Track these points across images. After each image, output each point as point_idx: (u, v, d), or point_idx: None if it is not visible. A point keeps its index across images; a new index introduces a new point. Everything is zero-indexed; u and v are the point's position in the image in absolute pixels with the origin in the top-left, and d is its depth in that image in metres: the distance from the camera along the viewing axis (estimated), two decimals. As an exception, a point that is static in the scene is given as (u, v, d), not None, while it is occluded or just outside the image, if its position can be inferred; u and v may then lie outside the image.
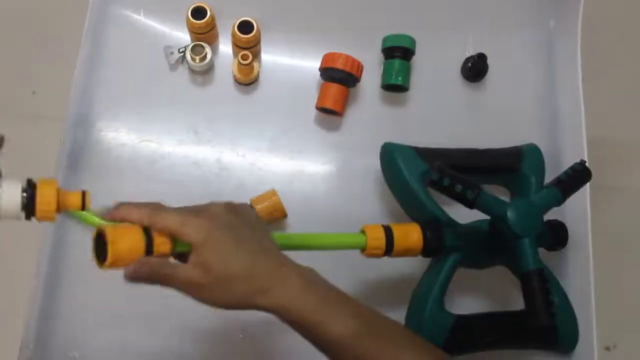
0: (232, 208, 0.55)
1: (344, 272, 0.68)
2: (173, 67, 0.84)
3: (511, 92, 0.88)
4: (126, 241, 0.51)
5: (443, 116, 0.86)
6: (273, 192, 0.76)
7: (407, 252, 0.69)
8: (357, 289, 0.78)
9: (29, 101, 1.44)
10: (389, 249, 0.68)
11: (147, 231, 0.53)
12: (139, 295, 0.75)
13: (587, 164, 0.70)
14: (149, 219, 0.52)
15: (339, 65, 0.79)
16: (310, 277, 0.55)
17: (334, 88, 0.81)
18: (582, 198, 0.80)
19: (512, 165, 0.78)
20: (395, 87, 0.84)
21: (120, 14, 0.87)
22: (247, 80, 0.84)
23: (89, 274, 0.76)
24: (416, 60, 0.85)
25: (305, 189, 0.82)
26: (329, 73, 0.80)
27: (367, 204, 0.81)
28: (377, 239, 0.67)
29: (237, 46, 0.82)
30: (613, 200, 1.41)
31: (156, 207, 0.54)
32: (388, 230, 0.68)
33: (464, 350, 0.72)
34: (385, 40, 0.84)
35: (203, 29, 0.81)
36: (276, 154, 0.82)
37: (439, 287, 0.70)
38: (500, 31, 0.90)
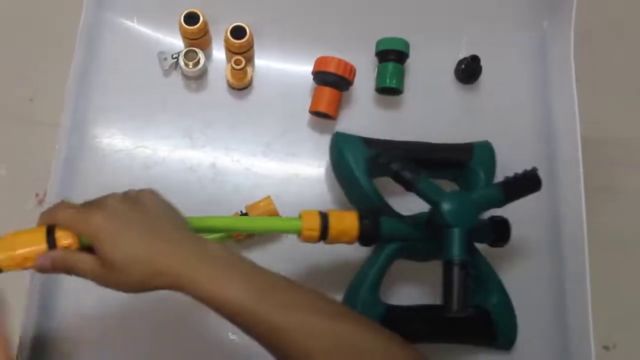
0: (129, 197, 0.59)
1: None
2: (167, 72, 0.85)
3: (505, 93, 0.88)
4: (17, 242, 0.57)
5: (437, 118, 0.86)
6: (268, 202, 0.76)
7: (342, 239, 0.69)
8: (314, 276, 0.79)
9: (26, 107, 1.44)
10: (324, 235, 0.68)
11: (51, 228, 0.58)
12: (130, 296, 0.76)
13: (538, 173, 0.70)
14: (50, 218, 0.58)
15: (331, 69, 0.79)
16: (210, 251, 0.56)
17: (327, 92, 0.81)
18: (577, 198, 0.80)
19: (461, 161, 0.78)
20: (389, 90, 0.84)
21: (113, 21, 0.87)
22: (241, 85, 0.84)
23: (81, 295, 0.77)
24: (410, 63, 0.85)
25: (300, 192, 0.82)
26: (321, 77, 0.81)
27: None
28: (312, 224, 0.67)
29: (230, 51, 0.82)
30: (609, 200, 1.41)
31: (57, 205, 0.58)
32: (324, 216, 0.68)
33: None
34: (378, 43, 0.84)
35: (196, 34, 0.82)
36: (271, 158, 0.83)
37: (373, 275, 0.71)
38: (494, 33, 0.90)
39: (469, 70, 0.85)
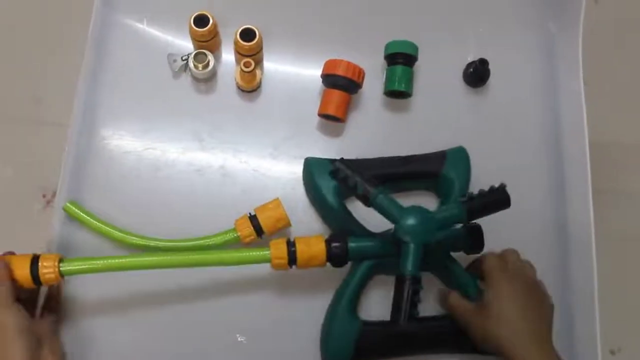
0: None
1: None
2: (176, 74, 0.85)
3: (513, 97, 0.88)
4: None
5: (445, 122, 0.86)
6: (277, 204, 0.76)
7: (313, 263, 0.71)
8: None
9: (34, 108, 1.45)
10: (293, 261, 0.70)
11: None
12: (136, 298, 0.77)
13: (507, 189, 0.69)
14: None
15: (340, 71, 0.79)
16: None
17: (336, 94, 0.81)
18: (584, 201, 0.81)
19: (434, 170, 0.79)
20: (398, 93, 0.84)
21: (123, 23, 0.87)
22: (250, 88, 0.84)
23: (90, 303, 0.78)
24: (418, 66, 0.85)
25: (309, 195, 0.82)
26: (330, 80, 0.81)
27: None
28: (280, 253, 0.70)
29: (240, 54, 0.82)
30: (616, 203, 1.41)
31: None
32: (291, 244, 0.71)
33: (373, 357, 0.75)
34: (387, 46, 0.84)
35: (205, 36, 0.82)
36: (279, 160, 0.83)
37: (349, 294, 0.74)
38: (502, 36, 0.91)
39: (477, 74, 0.86)
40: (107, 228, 0.76)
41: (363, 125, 0.85)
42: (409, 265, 0.66)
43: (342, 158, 0.76)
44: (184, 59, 0.84)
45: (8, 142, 1.44)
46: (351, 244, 0.72)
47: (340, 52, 0.82)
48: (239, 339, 0.76)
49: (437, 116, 0.86)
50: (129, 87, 0.85)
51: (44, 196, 1.36)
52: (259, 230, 0.74)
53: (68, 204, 0.76)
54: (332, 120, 0.83)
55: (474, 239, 0.75)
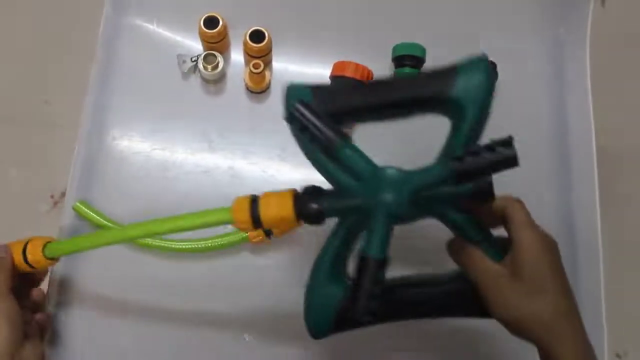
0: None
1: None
2: (185, 75, 0.85)
3: (521, 100, 0.88)
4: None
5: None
6: None
7: (282, 222, 0.58)
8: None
9: (43, 110, 1.45)
10: (257, 220, 0.57)
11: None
12: (141, 299, 0.77)
13: (514, 142, 0.52)
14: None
15: (349, 73, 0.80)
16: None
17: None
18: (591, 206, 0.81)
19: (440, 91, 0.57)
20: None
21: (133, 24, 0.88)
22: (259, 89, 0.84)
23: (96, 295, 0.78)
24: (426, 68, 0.86)
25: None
26: (339, 81, 0.81)
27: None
28: (243, 216, 0.58)
29: (249, 55, 0.83)
30: (623, 208, 1.41)
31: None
32: (254, 200, 0.58)
33: (361, 325, 0.61)
34: (395, 48, 0.84)
35: (215, 38, 0.82)
36: (288, 161, 0.83)
37: (329, 256, 0.60)
38: (510, 40, 0.91)
39: None
40: (117, 228, 0.76)
41: (371, 126, 0.85)
42: (375, 245, 0.53)
43: (314, 86, 0.60)
44: (193, 60, 0.84)
45: (17, 143, 1.45)
46: (327, 199, 0.58)
47: (349, 54, 0.82)
48: (247, 339, 0.76)
49: (445, 119, 0.86)
50: (138, 88, 0.85)
51: (51, 197, 1.37)
52: (267, 230, 0.75)
53: (78, 204, 0.77)
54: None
55: (480, 198, 0.57)
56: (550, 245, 0.56)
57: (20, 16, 1.57)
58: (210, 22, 0.81)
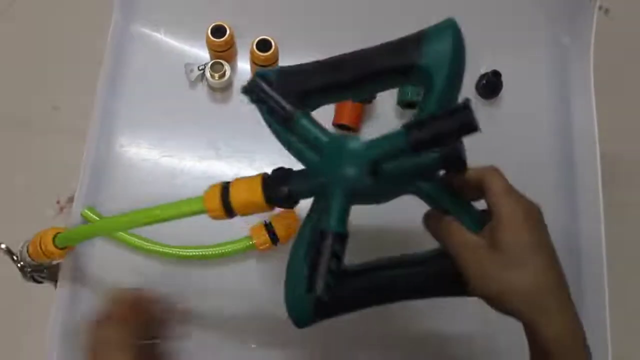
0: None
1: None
2: (193, 84, 0.86)
3: (525, 108, 0.89)
4: None
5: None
6: (292, 213, 0.77)
7: (253, 207, 0.57)
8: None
9: (51, 116, 1.46)
10: (228, 207, 0.56)
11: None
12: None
13: (471, 105, 0.48)
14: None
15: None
16: None
17: (350, 104, 0.82)
18: (595, 213, 0.81)
19: (406, 61, 0.55)
20: (411, 103, 0.85)
21: (141, 33, 0.89)
22: (266, 97, 0.85)
23: (108, 287, 0.79)
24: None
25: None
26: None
27: (383, 216, 0.82)
28: (214, 204, 0.57)
29: (256, 64, 0.84)
30: (627, 215, 1.41)
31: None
32: (225, 187, 0.57)
33: (339, 309, 0.59)
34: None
35: (222, 47, 0.83)
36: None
37: (305, 236, 0.57)
38: (514, 49, 0.91)
39: (490, 86, 0.86)
40: (124, 234, 0.77)
41: (377, 134, 0.85)
42: (333, 219, 0.51)
43: (281, 68, 0.59)
44: (200, 68, 0.85)
45: (24, 149, 1.45)
46: (296, 180, 0.56)
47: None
48: (253, 347, 0.77)
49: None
50: (146, 95, 0.86)
51: (57, 202, 1.37)
52: (274, 237, 0.75)
53: (86, 210, 0.78)
54: (347, 130, 0.84)
55: (451, 166, 0.54)
56: (531, 214, 0.52)
57: (28, 22, 1.58)
58: (218, 31, 0.82)
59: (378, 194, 0.55)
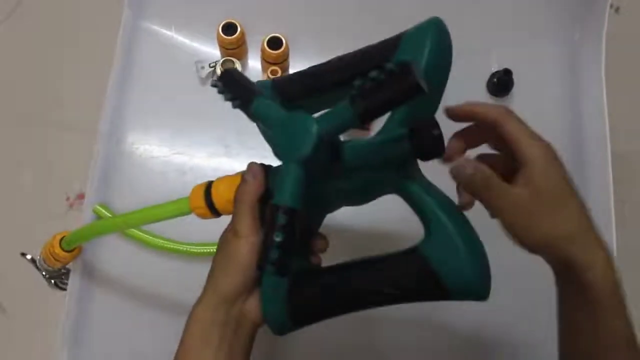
0: None
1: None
2: (203, 81, 0.86)
3: (536, 106, 0.88)
4: None
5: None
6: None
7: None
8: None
9: (58, 113, 1.47)
10: (212, 207, 0.57)
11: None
12: (166, 302, 0.78)
13: (411, 67, 0.43)
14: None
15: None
16: None
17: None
18: (606, 212, 0.81)
19: (385, 60, 0.54)
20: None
21: (152, 30, 0.89)
22: (276, 95, 0.85)
23: (118, 286, 0.79)
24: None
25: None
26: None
27: (394, 216, 0.81)
28: (198, 202, 0.58)
29: (266, 61, 0.84)
30: (638, 214, 1.41)
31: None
32: (209, 185, 0.58)
33: (312, 315, 0.57)
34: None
35: (233, 44, 0.83)
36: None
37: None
38: (526, 46, 0.91)
39: (501, 84, 0.86)
40: (135, 231, 0.77)
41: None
42: (286, 193, 0.49)
43: (275, 78, 0.61)
44: (211, 65, 0.85)
45: (33, 146, 1.46)
46: (271, 180, 0.56)
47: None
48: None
49: (460, 126, 0.87)
50: (156, 93, 0.86)
51: (67, 199, 1.38)
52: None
53: (97, 207, 0.78)
54: (358, 128, 0.84)
55: (424, 144, 0.52)
56: (553, 152, 0.53)
57: (38, 19, 1.58)
58: (229, 28, 0.82)
59: (344, 177, 0.54)
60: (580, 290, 0.51)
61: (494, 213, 0.53)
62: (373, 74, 0.44)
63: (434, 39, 0.55)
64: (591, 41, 0.89)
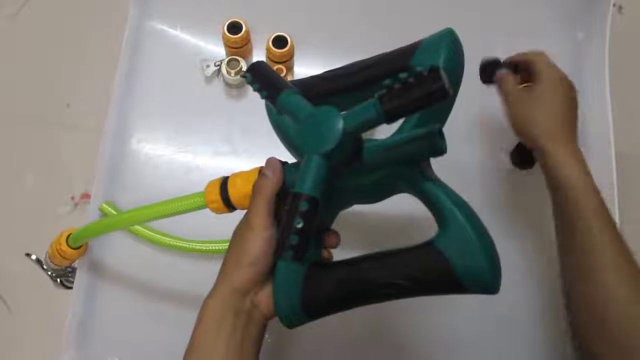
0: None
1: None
2: (209, 80, 0.87)
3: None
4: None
5: (468, 129, 0.87)
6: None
7: (249, 199, 0.59)
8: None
9: (64, 113, 1.47)
10: (228, 201, 0.59)
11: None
12: (169, 297, 0.79)
13: (441, 72, 0.45)
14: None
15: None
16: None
17: (366, 101, 0.82)
18: (610, 210, 0.80)
19: (400, 66, 0.59)
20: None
21: (157, 29, 0.89)
22: (281, 93, 0.85)
23: (124, 282, 0.80)
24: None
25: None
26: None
27: (399, 213, 0.82)
28: (214, 196, 0.60)
29: (271, 60, 0.84)
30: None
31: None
32: (225, 180, 0.60)
33: (325, 308, 0.58)
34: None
35: (238, 43, 0.84)
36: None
37: None
38: (528, 45, 0.91)
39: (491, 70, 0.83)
40: (141, 229, 0.77)
41: (391, 128, 0.86)
42: (308, 183, 0.51)
43: (296, 80, 0.63)
44: (216, 64, 0.86)
45: (38, 145, 1.46)
46: (287, 176, 0.58)
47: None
48: (268, 340, 0.77)
49: (460, 129, 0.87)
50: (162, 91, 0.87)
51: (72, 198, 1.38)
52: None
53: (104, 205, 0.78)
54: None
55: (428, 144, 0.54)
56: (565, 81, 0.73)
57: (43, 19, 1.59)
58: (234, 27, 0.83)
59: (362, 174, 0.56)
60: (562, 193, 0.66)
61: (504, 104, 0.74)
62: (403, 75, 0.46)
63: (449, 48, 0.58)
64: (594, 40, 0.89)
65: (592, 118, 0.87)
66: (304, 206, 0.50)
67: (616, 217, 0.80)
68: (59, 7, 1.56)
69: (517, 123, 0.72)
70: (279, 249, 0.51)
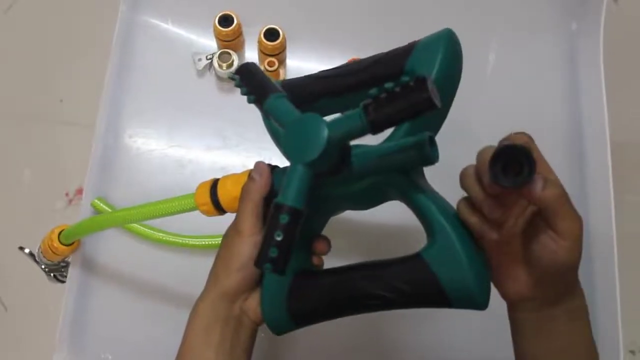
0: None
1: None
2: (200, 73, 0.86)
3: (534, 97, 0.88)
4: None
5: (466, 125, 0.86)
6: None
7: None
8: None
9: (57, 108, 1.46)
10: (216, 202, 0.59)
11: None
12: (165, 296, 0.78)
13: (428, 82, 0.43)
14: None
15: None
16: None
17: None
18: (606, 203, 0.80)
19: (395, 68, 0.57)
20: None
21: (149, 23, 0.89)
22: (273, 87, 0.85)
23: (118, 280, 0.79)
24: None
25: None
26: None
27: (391, 219, 0.81)
28: (202, 192, 0.60)
29: (263, 53, 0.83)
30: (638, 204, 1.41)
31: None
32: (215, 183, 0.60)
33: (311, 316, 0.58)
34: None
35: (230, 36, 0.83)
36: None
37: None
38: (524, 38, 0.91)
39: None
40: (135, 225, 0.77)
41: (385, 134, 0.85)
42: (288, 192, 0.49)
43: (282, 81, 0.62)
44: (208, 58, 0.85)
45: (32, 142, 1.46)
46: (276, 180, 0.57)
47: (363, 52, 0.82)
48: (262, 335, 0.77)
49: (456, 117, 0.86)
50: (154, 86, 0.86)
51: (66, 194, 1.38)
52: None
53: (96, 200, 0.78)
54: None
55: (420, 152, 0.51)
56: (581, 231, 0.53)
57: (34, 14, 1.58)
58: (225, 20, 0.82)
59: (351, 181, 0.55)
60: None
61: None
62: (389, 85, 0.45)
63: (446, 49, 0.55)
64: (589, 31, 0.88)
65: (588, 109, 0.87)
66: (284, 219, 0.48)
67: (611, 208, 0.80)
68: (49, 2, 1.55)
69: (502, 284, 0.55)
70: (259, 260, 0.49)
